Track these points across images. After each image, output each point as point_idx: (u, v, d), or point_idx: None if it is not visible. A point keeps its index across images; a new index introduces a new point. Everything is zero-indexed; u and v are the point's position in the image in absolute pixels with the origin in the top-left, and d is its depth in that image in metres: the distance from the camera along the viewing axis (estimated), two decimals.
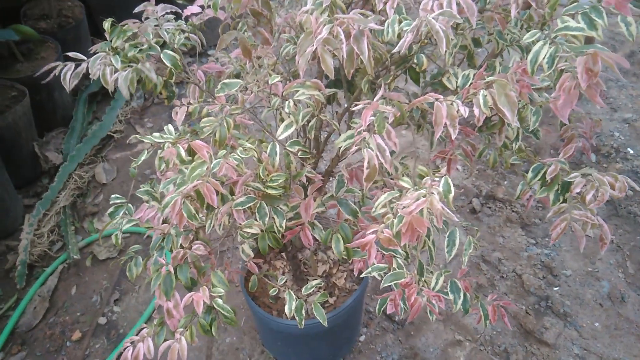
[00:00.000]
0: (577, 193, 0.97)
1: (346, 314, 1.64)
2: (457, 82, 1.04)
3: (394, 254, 1.09)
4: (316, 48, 0.89)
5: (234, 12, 1.01)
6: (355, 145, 0.82)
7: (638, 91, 2.99)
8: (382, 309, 1.15)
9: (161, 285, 1.03)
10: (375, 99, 0.85)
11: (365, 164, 0.81)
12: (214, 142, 0.94)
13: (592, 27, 0.81)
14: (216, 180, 0.93)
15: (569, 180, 0.99)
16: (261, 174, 0.97)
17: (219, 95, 0.99)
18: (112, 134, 2.75)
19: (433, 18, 0.79)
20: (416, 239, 0.80)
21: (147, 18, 1.23)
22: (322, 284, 1.28)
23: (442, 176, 0.83)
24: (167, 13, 1.24)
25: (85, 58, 1.19)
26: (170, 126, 1.02)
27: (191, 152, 0.95)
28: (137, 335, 1.10)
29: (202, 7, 1.24)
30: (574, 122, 1.23)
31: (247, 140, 0.96)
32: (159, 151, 1.00)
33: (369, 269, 1.06)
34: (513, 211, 2.42)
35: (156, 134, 1.02)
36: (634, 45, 3.26)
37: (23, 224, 2.32)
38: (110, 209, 1.17)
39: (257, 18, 1.03)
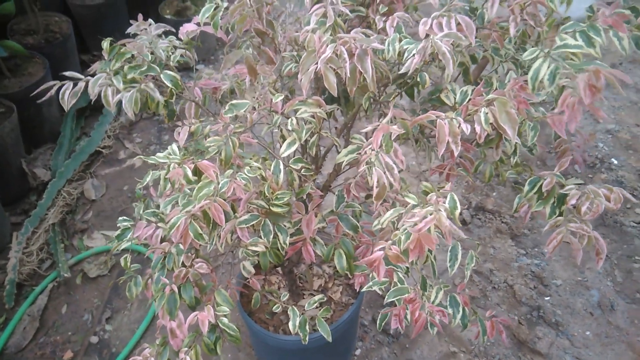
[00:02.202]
0: (572, 205, 1.00)
1: (343, 328, 1.64)
2: (455, 99, 1.06)
3: (395, 268, 1.10)
4: (319, 66, 0.90)
5: (239, 31, 1.02)
6: (365, 164, 0.83)
7: (619, 102, 3.06)
8: (383, 324, 1.17)
9: (165, 305, 1.02)
10: (384, 120, 0.86)
11: (375, 183, 0.83)
12: (220, 161, 0.95)
13: (590, 44, 0.84)
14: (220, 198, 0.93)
15: (564, 192, 1.01)
16: (266, 192, 0.98)
17: (225, 115, 1.00)
18: (100, 150, 2.73)
19: (439, 40, 0.80)
20: (421, 256, 0.81)
21: (135, 35, 1.24)
22: (324, 299, 1.28)
23: (447, 193, 0.84)
24: (161, 32, 1.25)
25: (82, 77, 1.19)
26: (174, 146, 1.02)
27: (196, 172, 0.95)
28: (139, 356, 1.09)
29: (197, 24, 1.25)
30: (567, 136, 1.26)
31: (252, 159, 0.97)
32: (163, 171, 0.99)
33: (370, 284, 1.07)
34: (502, 222, 2.45)
35: (160, 154, 1.02)
36: (615, 57, 3.34)
37: (11, 242, 2.28)
38: (118, 232, 1.16)
39: (261, 37, 1.04)
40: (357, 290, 1.14)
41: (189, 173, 0.93)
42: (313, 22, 0.95)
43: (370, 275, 1.11)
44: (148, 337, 2.04)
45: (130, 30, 1.29)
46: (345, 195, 1.23)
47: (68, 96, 1.14)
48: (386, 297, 0.98)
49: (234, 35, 1.06)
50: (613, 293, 2.19)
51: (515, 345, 2.03)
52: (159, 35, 1.24)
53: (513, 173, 1.23)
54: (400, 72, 0.86)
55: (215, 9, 1.17)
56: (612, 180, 2.62)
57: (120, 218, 1.20)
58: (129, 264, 1.15)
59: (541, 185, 1.05)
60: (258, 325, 1.64)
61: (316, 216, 1.16)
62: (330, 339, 1.19)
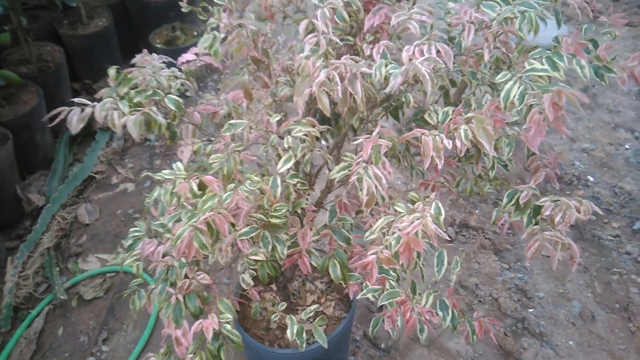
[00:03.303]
0: (547, 215, 1.09)
1: (337, 339, 1.71)
2: (437, 118, 1.16)
3: (387, 276, 1.18)
4: (313, 89, 0.99)
5: (236, 59, 1.11)
6: (355, 175, 0.92)
7: (593, 122, 3.21)
8: (374, 330, 1.24)
9: (171, 314, 1.09)
10: (373, 134, 0.95)
11: (365, 192, 0.91)
12: (223, 176, 1.02)
13: (555, 68, 0.94)
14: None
15: (540, 204, 1.11)
16: (265, 205, 1.06)
17: (225, 135, 1.08)
18: (93, 175, 2.79)
19: (419, 63, 0.90)
20: (410, 259, 0.90)
21: (133, 65, 1.31)
22: (320, 308, 1.35)
23: (433, 201, 0.93)
24: (162, 62, 1.34)
25: (88, 102, 1.26)
26: (179, 163, 1.09)
27: (201, 186, 1.03)
28: None
29: (196, 54, 1.34)
30: (539, 154, 1.36)
31: (251, 174, 1.05)
32: (170, 187, 1.07)
33: (364, 291, 1.15)
34: (486, 238, 2.55)
35: (166, 171, 1.09)
36: (588, 81, 3.51)
37: (5, 266, 2.32)
38: (130, 241, 1.22)
39: (257, 65, 1.13)
40: (351, 298, 1.21)
41: (195, 187, 1.00)
42: (307, 50, 1.05)
43: (364, 284, 1.19)
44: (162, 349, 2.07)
45: (134, 61, 1.36)
46: (338, 210, 1.32)
47: (76, 121, 1.21)
48: (379, 301, 1.06)
49: (232, 62, 1.15)
50: (593, 304, 2.29)
51: (501, 356, 2.10)
52: (162, 68, 1.32)
53: (491, 188, 1.32)
54: (385, 91, 0.96)
55: (213, 39, 1.27)
56: (589, 196, 2.74)
57: (132, 229, 1.26)
58: (140, 271, 1.21)
59: (518, 198, 1.14)
60: (254, 340, 1.70)
61: (311, 230, 1.23)
62: (326, 345, 1.25)
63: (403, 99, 1.09)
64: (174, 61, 1.35)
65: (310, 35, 1.05)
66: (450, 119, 1.07)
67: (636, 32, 3.98)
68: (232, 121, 1.08)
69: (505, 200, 1.15)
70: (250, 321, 1.80)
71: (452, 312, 1.14)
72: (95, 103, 1.25)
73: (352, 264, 1.19)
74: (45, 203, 2.55)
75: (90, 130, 3.02)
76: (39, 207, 2.54)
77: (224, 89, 1.14)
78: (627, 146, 3.06)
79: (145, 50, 1.28)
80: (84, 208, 2.62)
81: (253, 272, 1.29)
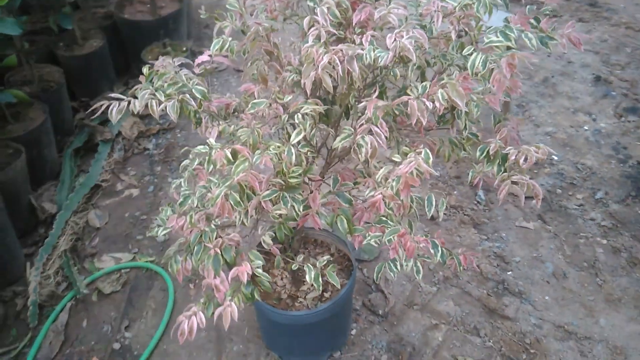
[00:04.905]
0: (512, 160, 1.35)
1: (342, 302, 1.94)
2: (417, 92, 1.41)
3: (386, 225, 1.43)
4: (318, 71, 1.24)
5: (251, 54, 1.35)
6: (359, 135, 1.17)
7: (555, 109, 3.52)
8: (379, 275, 1.48)
9: (211, 264, 1.31)
10: (372, 97, 1.20)
11: (369, 146, 1.16)
12: (249, 145, 1.26)
13: (507, 39, 1.21)
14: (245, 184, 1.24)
15: (506, 152, 1.37)
16: (284, 169, 1.29)
17: (247, 113, 1.32)
18: (99, 184, 2.98)
19: (405, 40, 1.16)
20: (408, 195, 1.14)
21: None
22: (332, 258, 1.57)
23: (422, 150, 1.18)
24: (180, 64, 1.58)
25: (124, 97, 1.48)
26: (211, 139, 1.32)
27: (233, 155, 1.26)
28: (187, 311, 1.36)
29: (210, 56, 1.58)
30: (503, 121, 1.63)
31: (272, 143, 1.28)
32: (206, 157, 1.28)
33: (369, 238, 1.39)
34: (465, 215, 2.82)
35: (200, 147, 1.32)
36: (547, 72, 3.84)
37: (24, 272, 2.49)
38: (180, 200, 1.43)
39: (269, 56, 1.38)
40: (355, 247, 1.44)
41: (229, 154, 1.23)
42: (310, 41, 1.29)
43: (367, 235, 1.43)
44: (165, 339, 2.27)
45: (156, 67, 1.58)
46: (340, 179, 1.56)
47: (116, 112, 1.44)
48: (384, 236, 1.30)
49: (249, 55, 1.39)
50: (564, 264, 2.56)
51: (487, 314, 2.35)
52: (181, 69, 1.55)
53: (465, 153, 1.58)
54: (379, 64, 1.21)
55: (223, 42, 1.51)
56: (555, 173, 3.04)
57: (183, 190, 1.47)
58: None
59: (488, 150, 1.40)
60: (268, 305, 1.92)
61: (319, 193, 1.47)
62: (339, 286, 1.49)
63: (386, 82, 1.34)
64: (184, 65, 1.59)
65: (312, 29, 1.29)
66: (427, 90, 1.33)
67: (588, 27, 4.35)
68: (254, 100, 1.32)
69: (478, 153, 1.40)
70: (263, 294, 2.02)
71: (441, 249, 1.39)
72: (129, 98, 1.48)
73: (356, 218, 1.43)
74: (58, 210, 2.73)
75: (91, 144, 3.22)
76: (52, 215, 2.72)
77: (244, 77, 1.38)
78: (585, 127, 3.38)
79: (147, 66, 1.51)
80: (93, 213, 2.81)
81: (272, 233, 1.52)
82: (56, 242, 2.58)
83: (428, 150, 1.19)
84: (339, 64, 1.24)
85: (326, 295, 2.02)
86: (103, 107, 1.46)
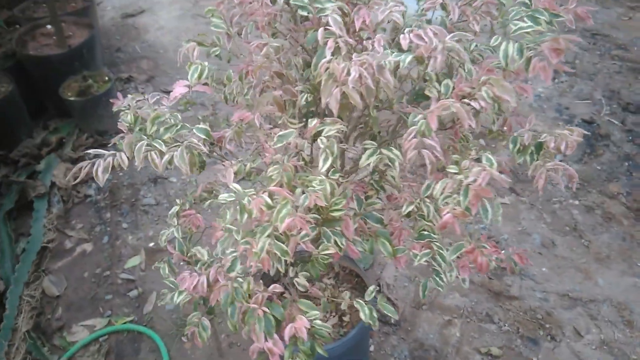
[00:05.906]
0: (552, 147, 1.28)
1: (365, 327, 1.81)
2: (438, 92, 1.31)
3: (431, 240, 1.32)
4: (350, 86, 1.09)
5: (257, 77, 1.18)
6: (413, 149, 1.04)
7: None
8: (425, 292, 1.37)
9: (263, 327, 1.13)
10: (432, 107, 1.07)
11: (428, 161, 1.04)
12: (285, 184, 1.09)
13: (537, 23, 1.13)
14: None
15: (542, 140, 1.30)
16: (325, 202, 1.13)
17: (269, 148, 1.15)
18: (46, 245, 2.63)
19: (449, 40, 1.05)
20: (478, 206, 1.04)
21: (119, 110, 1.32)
22: (379, 288, 1.44)
23: (480, 156, 1.08)
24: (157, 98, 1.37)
25: (105, 152, 1.25)
26: (235, 184, 1.13)
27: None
28: None
29: (187, 86, 1.38)
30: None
31: (307, 178, 1.12)
32: (237, 207, 1.10)
33: (419, 257, 1.28)
34: None
35: (225, 194, 1.13)
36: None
37: None
38: (229, 264, 1.23)
39: (280, 78, 1.21)
40: (403, 266, 1.33)
41: (268, 199, 1.06)
42: (328, 55, 1.14)
43: (412, 253, 1.31)
44: None
45: (125, 103, 1.36)
46: (362, 198, 1.42)
47: (102, 172, 1.21)
48: (449, 254, 1.19)
49: (258, 80, 1.21)
50: (549, 232, 2.60)
51: (493, 298, 2.33)
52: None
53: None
54: (427, 70, 1.09)
55: (201, 69, 1.32)
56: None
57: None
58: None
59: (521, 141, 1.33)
60: None
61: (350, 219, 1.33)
62: (397, 317, 1.36)
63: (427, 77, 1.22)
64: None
65: (329, 41, 1.14)
66: (453, 88, 1.23)
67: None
68: (281, 133, 1.15)
69: (510, 145, 1.33)
70: None
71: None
72: (112, 151, 1.25)
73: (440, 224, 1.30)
74: (6, 286, 2.37)
75: (24, 202, 2.84)
76: (1, 293, 2.35)
77: (257, 107, 1.20)
78: (526, 95, 3.47)
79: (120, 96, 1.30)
80: (48, 280, 2.48)
81: (307, 273, 1.36)
82: (14, 324, 2.23)
83: (490, 156, 1.08)
84: (367, 76, 1.10)
85: (345, 319, 1.88)
86: (86, 168, 1.23)
